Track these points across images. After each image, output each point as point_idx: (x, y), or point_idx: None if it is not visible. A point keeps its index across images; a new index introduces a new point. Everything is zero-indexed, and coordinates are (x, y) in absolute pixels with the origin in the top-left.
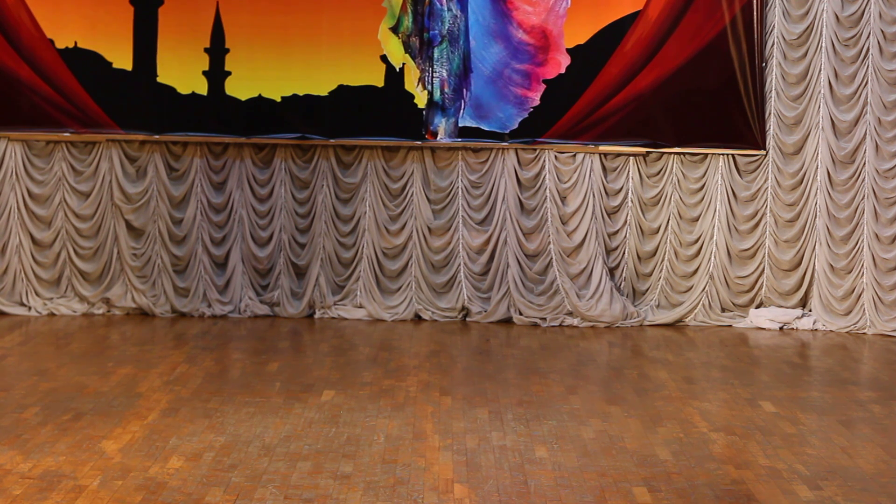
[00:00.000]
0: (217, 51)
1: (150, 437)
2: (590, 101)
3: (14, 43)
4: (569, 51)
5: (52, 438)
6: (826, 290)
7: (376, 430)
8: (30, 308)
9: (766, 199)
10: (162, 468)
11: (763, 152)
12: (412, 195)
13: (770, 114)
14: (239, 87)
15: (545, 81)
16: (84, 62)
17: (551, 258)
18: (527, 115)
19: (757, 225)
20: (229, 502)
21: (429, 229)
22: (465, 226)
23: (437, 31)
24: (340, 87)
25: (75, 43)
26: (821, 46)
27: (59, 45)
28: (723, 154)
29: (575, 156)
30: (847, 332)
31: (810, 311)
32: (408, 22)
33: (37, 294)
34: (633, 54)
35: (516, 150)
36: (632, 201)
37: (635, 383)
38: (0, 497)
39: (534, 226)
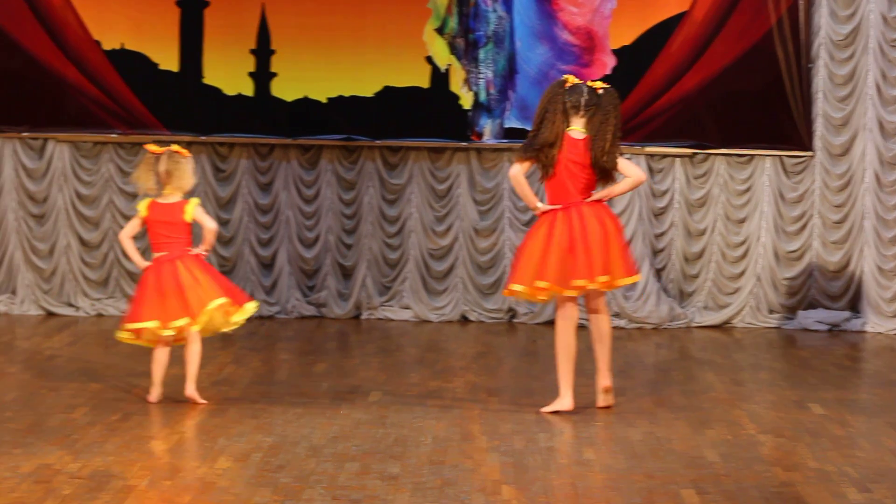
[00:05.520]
0: (263, 52)
1: (198, 437)
2: (636, 102)
3: (61, 45)
4: (614, 52)
5: (100, 438)
6: (874, 291)
7: (423, 431)
8: (78, 309)
9: (813, 201)
10: (210, 468)
11: (810, 153)
12: (458, 196)
13: (817, 115)
14: (285, 89)
15: None
16: (131, 63)
17: None
18: None
19: (804, 226)
20: (277, 503)
21: (475, 230)
22: (511, 227)
23: (482, 33)
24: (386, 88)
25: (122, 44)
26: (868, 47)
27: (106, 46)
28: (769, 155)
29: None
30: None
31: (859, 313)
32: (453, 23)
33: (85, 295)
34: (680, 55)
35: None
36: (678, 202)
37: (683, 385)
38: (50, 497)
39: None
